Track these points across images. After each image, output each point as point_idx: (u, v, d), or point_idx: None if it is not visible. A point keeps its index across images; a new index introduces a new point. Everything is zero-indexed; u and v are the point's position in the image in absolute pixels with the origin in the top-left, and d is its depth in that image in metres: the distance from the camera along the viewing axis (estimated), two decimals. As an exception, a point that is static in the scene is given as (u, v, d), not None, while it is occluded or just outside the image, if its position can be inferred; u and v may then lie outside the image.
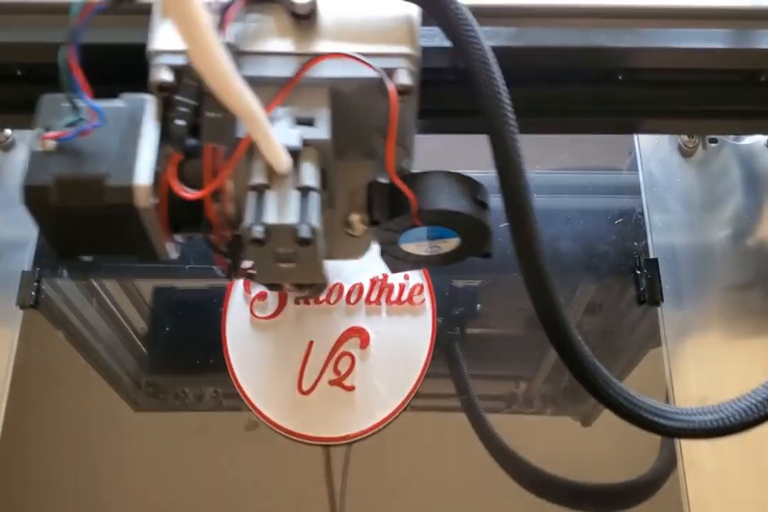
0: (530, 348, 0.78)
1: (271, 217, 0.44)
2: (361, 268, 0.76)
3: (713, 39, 0.54)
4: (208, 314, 0.78)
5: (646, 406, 0.48)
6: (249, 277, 0.52)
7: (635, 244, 0.81)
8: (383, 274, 0.76)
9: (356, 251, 0.51)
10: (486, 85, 0.45)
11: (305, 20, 0.46)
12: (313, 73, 0.46)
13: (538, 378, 0.77)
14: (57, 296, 0.80)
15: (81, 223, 0.46)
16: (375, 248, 0.54)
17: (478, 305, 0.78)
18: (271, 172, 0.45)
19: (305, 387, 0.73)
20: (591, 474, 0.72)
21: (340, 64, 0.46)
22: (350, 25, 0.47)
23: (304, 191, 0.45)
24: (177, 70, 0.45)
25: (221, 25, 0.45)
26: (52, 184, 0.44)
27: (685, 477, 0.70)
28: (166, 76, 0.45)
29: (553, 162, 0.87)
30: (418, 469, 0.72)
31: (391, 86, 0.45)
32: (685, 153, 0.86)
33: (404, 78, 0.46)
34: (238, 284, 0.77)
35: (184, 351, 0.78)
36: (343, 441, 0.72)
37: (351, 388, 0.73)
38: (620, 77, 0.57)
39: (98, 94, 0.44)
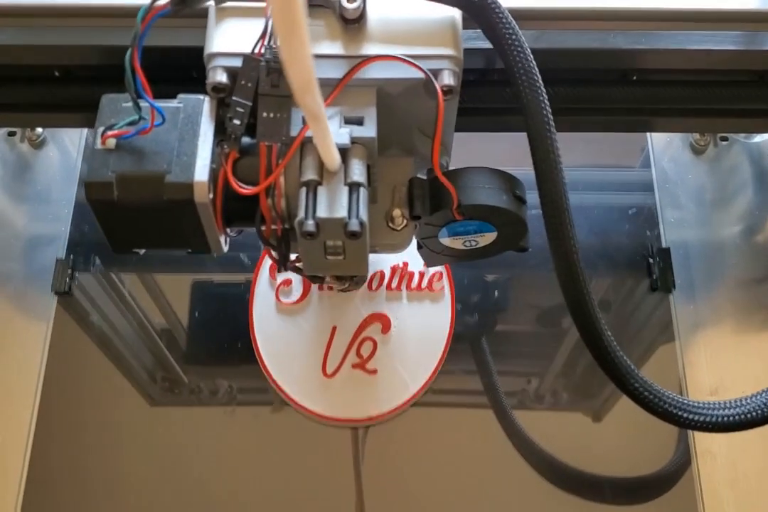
0: (542, 344, 0.80)
1: (322, 211, 0.46)
2: (381, 257, 0.77)
3: (724, 41, 0.56)
4: (235, 300, 0.79)
5: (672, 400, 0.50)
6: (296, 271, 0.53)
7: (648, 233, 0.83)
8: (403, 262, 0.78)
9: (398, 244, 0.53)
10: (528, 87, 0.47)
11: (354, 24, 0.48)
12: (362, 75, 0.48)
13: (550, 374, 0.78)
14: (87, 288, 0.81)
15: (139, 217, 0.48)
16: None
17: (496, 291, 0.80)
18: (321, 169, 0.47)
19: (329, 370, 0.75)
20: (602, 468, 0.74)
21: (388, 65, 0.48)
22: (396, 28, 0.49)
23: (353, 187, 0.47)
24: (232, 72, 0.47)
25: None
26: (114, 180, 0.46)
27: (698, 466, 0.72)
28: (222, 78, 0.47)
29: (568, 159, 0.88)
30: (437, 452, 0.74)
31: (438, 87, 0.47)
32: (697, 150, 0.87)
33: (449, 79, 0.48)
34: (264, 271, 0.79)
35: (214, 336, 0.79)
36: (367, 423, 0.74)
37: (373, 372, 0.74)
38: (634, 77, 0.59)
39: (154, 95, 0.46)
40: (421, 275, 0.77)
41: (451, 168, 0.54)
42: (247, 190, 0.47)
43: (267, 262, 0.79)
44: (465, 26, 0.50)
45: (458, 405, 0.77)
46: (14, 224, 0.85)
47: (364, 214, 0.46)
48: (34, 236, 0.84)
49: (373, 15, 0.49)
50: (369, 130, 0.48)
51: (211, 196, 0.47)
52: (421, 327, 0.76)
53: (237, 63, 0.47)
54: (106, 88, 0.56)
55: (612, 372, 0.50)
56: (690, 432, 0.73)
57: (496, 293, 0.80)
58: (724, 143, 0.87)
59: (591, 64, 0.57)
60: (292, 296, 0.77)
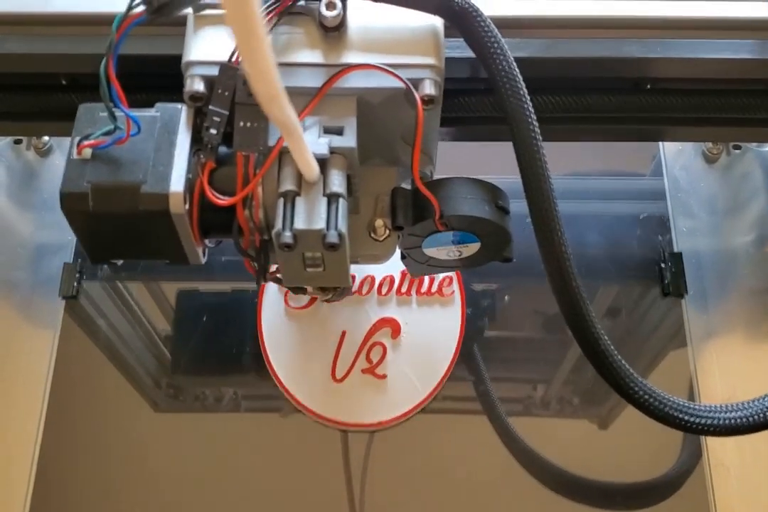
0: (548, 350, 0.79)
1: (300, 222, 0.45)
2: (391, 261, 0.76)
3: (738, 49, 0.55)
4: (244, 305, 0.79)
5: (672, 403, 0.49)
6: (276, 281, 0.53)
7: (659, 238, 0.82)
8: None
9: (380, 255, 0.53)
10: (512, 96, 0.46)
11: (334, 32, 0.48)
12: (342, 84, 0.47)
13: (556, 381, 0.77)
14: (94, 295, 0.81)
15: (116, 228, 0.48)
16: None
17: (506, 297, 0.80)
18: (300, 179, 0.46)
19: (338, 375, 0.74)
20: (608, 476, 0.73)
21: (368, 74, 0.47)
22: (377, 36, 0.48)
23: (332, 198, 0.46)
24: (209, 81, 0.47)
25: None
26: (89, 190, 0.45)
27: (711, 478, 0.71)
28: (200, 87, 0.47)
29: (579, 167, 0.87)
30: (447, 456, 0.74)
31: (418, 96, 0.46)
32: (709, 159, 0.86)
33: (430, 88, 0.47)
34: (273, 277, 0.79)
35: (222, 343, 0.79)
36: (376, 428, 0.73)
37: (383, 376, 0.74)
38: (648, 86, 0.58)
39: (133, 103, 0.45)
40: (431, 280, 0.77)
41: (436, 177, 0.53)
42: (223, 200, 0.46)
43: (275, 268, 0.78)
44: (448, 35, 0.49)
45: (468, 412, 0.77)
46: (21, 232, 0.85)
47: (343, 226, 0.45)
48: (41, 244, 0.84)
49: (354, 23, 0.48)
50: (349, 140, 0.47)
51: (187, 206, 0.46)
52: (431, 332, 0.76)
53: (214, 71, 0.46)
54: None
55: (610, 377, 0.49)
56: (704, 443, 0.72)
57: (506, 298, 0.80)
58: (737, 151, 0.86)
59: (604, 73, 0.57)
60: (301, 301, 0.77)
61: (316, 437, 0.74)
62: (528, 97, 0.46)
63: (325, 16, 0.47)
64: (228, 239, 0.50)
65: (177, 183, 0.46)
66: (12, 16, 0.55)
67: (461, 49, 0.51)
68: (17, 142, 0.89)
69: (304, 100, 0.46)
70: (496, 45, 0.46)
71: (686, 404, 0.49)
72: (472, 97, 0.55)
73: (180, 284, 0.83)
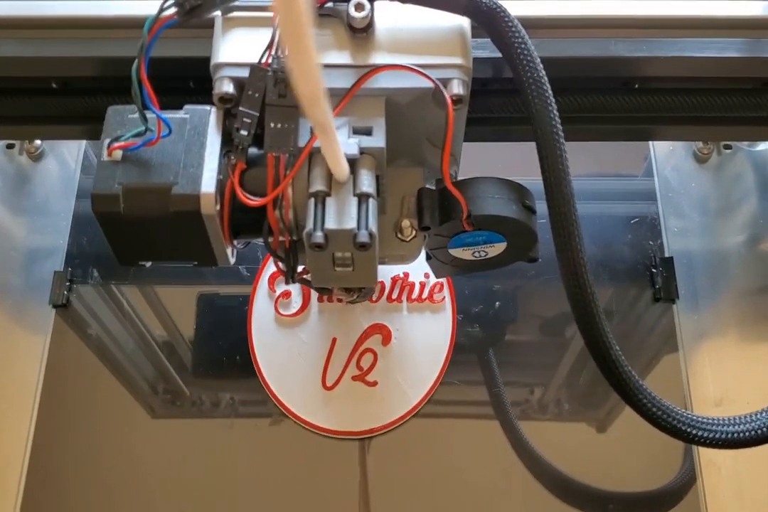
0: (545, 354, 0.79)
1: (331, 222, 0.46)
2: (382, 268, 0.76)
3: (727, 48, 0.56)
4: (233, 312, 0.79)
5: (680, 416, 0.49)
6: (304, 282, 0.53)
7: (650, 243, 0.82)
8: (404, 273, 0.77)
9: (407, 255, 0.53)
10: (537, 98, 0.46)
11: (362, 33, 0.48)
12: (371, 85, 0.48)
13: (554, 384, 0.77)
14: (86, 300, 0.81)
15: (146, 229, 0.47)
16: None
17: (497, 302, 0.80)
18: (330, 180, 0.47)
19: (329, 382, 0.74)
20: (606, 479, 0.73)
21: (396, 75, 0.47)
22: (405, 37, 0.49)
23: (362, 198, 0.46)
24: (239, 83, 0.47)
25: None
26: (120, 192, 0.45)
27: (702, 476, 0.71)
28: (229, 88, 0.47)
29: (571, 168, 0.87)
30: (438, 463, 0.73)
31: (447, 96, 0.46)
32: (700, 159, 0.87)
33: (458, 88, 0.47)
34: (263, 283, 0.78)
35: (214, 349, 0.78)
36: (366, 435, 0.73)
37: (373, 384, 0.74)
38: (636, 86, 0.58)
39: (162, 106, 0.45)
40: (422, 286, 0.77)
41: (459, 178, 0.54)
42: (254, 201, 0.46)
43: (266, 274, 0.78)
44: (473, 35, 0.49)
45: (460, 416, 0.77)
46: (13, 236, 0.84)
47: (373, 225, 0.46)
48: (33, 248, 0.84)
49: (381, 24, 0.49)
50: (378, 141, 0.47)
51: (217, 207, 0.46)
52: (422, 338, 0.76)
53: (244, 73, 0.46)
54: (104, 100, 0.57)
55: (619, 387, 0.50)
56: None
57: (497, 304, 0.79)
58: (728, 151, 0.87)
59: (593, 73, 0.57)
60: (292, 308, 0.77)
61: (313, 444, 0.74)
62: (553, 99, 0.47)
63: (354, 18, 0.47)
64: (257, 240, 0.50)
65: (208, 184, 0.46)
66: (3, 20, 0.55)
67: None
68: (10, 146, 0.88)
69: (334, 101, 0.46)
70: (523, 45, 0.47)
71: (694, 417, 0.49)
72: (493, 98, 0.56)
73: (175, 288, 0.83)
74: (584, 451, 0.75)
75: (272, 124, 0.45)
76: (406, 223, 0.52)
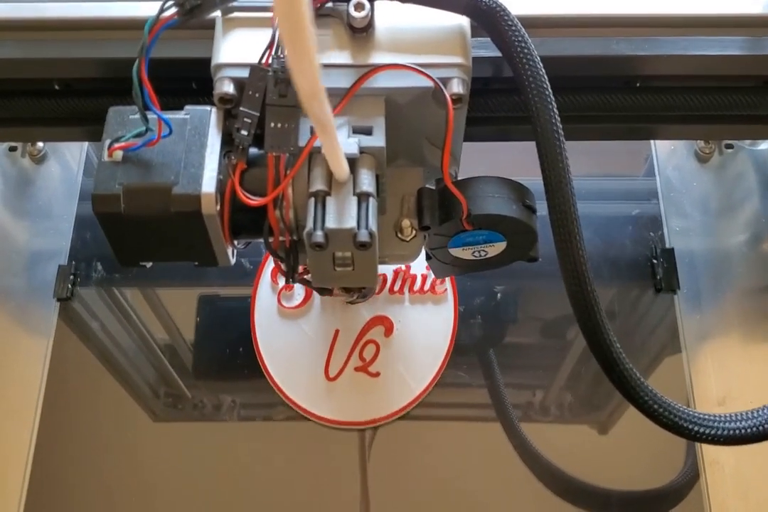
0: (547, 355, 0.79)
1: (331, 221, 0.46)
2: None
3: (728, 46, 0.56)
4: (236, 305, 0.79)
5: (682, 413, 0.49)
6: (304, 282, 0.53)
7: (651, 234, 0.82)
8: (406, 265, 0.78)
9: (407, 255, 0.53)
10: (537, 96, 0.46)
11: (362, 33, 0.48)
12: (371, 84, 0.48)
13: (555, 386, 0.77)
14: (89, 302, 0.81)
15: (147, 230, 0.48)
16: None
17: (499, 294, 0.80)
18: (330, 179, 0.47)
19: (332, 373, 0.74)
20: (608, 480, 0.73)
21: (396, 74, 0.48)
22: (405, 36, 0.49)
23: (362, 197, 0.46)
24: (239, 83, 0.47)
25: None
26: (121, 192, 0.45)
27: (705, 475, 0.71)
28: (229, 89, 0.47)
29: (571, 167, 0.87)
30: (440, 454, 0.73)
31: (447, 95, 0.46)
32: (702, 158, 0.87)
33: (458, 87, 0.48)
34: (266, 276, 0.79)
35: (216, 348, 0.79)
36: (369, 426, 0.73)
37: (376, 375, 0.74)
38: (638, 84, 0.58)
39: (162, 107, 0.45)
40: (424, 278, 0.77)
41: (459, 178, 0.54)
42: (254, 201, 0.46)
43: (269, 266, 0.78)
44: (473, 35, 0.50)
45: (461, 407, 0.77)
46: (16, 239, 0.85)
47: (373, 225, 0.46)
48: (36, 251, 0.84)
49: (381, 24, 0.49)
50: (378, 140, 0.48)
51: (218, 207, 0.46)
52: (424, 330, 0.76)
53: (244, 73, 0.46)
54: (106, 101, 0.56)
55: (621, 385, 0.50)
56: (699, 444, 0.72)
57: (498, 295, 0.79)
58: (730, 151, 0.87)
59: (594, 72, 0.57)
60: (294, 300, 0.77)
61: (316, 435, 0.74)
62: (553, 98, 0.47)
63: (354, 18, 0.47)
64: (257, 240, 0.50)
65: (208, 184, 0.46)
66: (5, 22, 0.55)
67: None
68: (12, 149, 0.88)
69: (333, 100, 0.46)
70: (523, 44, 0.47)
71: (695, 413, 0.49)
72: (491, 97, 0.56)
73: (177, 289, 0.83)
74: (587, 452, 0.75)
75: (272, 124, 0.45)
76: (406, 222, 0.52)
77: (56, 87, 0.59)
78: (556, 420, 0.76)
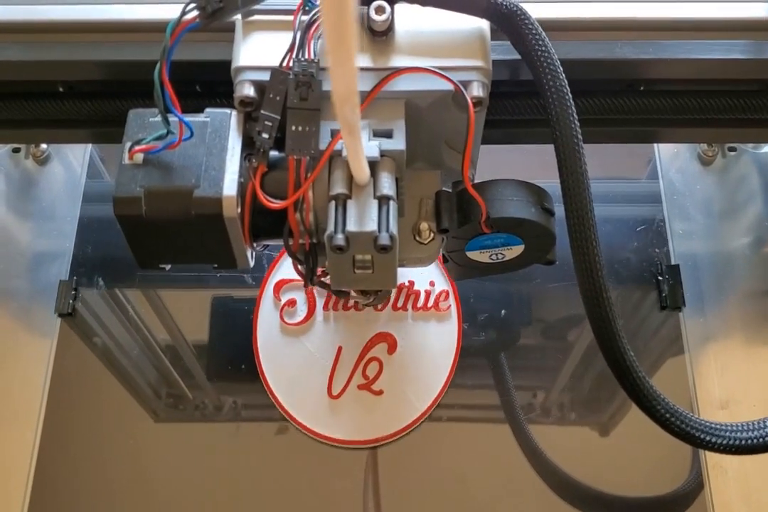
0: (548, 358, 0.79)
1: (352, 225, 0.46)
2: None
3: (732, 50, 0.56)
4: (238, 321, 0.79)
5: (694, 423, 0.49)
6: (322, 285, 0.53)
7: (656, 250, 0.82)
8: (409, 281, 0.77)
9: (425, 258, 0.53)
10: (557, 100, 0.46)
11: (382, 36, 0.48)
12: (391, 87, 0.48)
13: (557, 388, 0.77)
14: (92, 306, 0.81)
15: (167, 232, 0.47)
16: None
17: (503, 311, 0.79)
18: (350, 183, 0.47)
19: (335, 391, 0.74)
20: (610, 483, 0.73)
21: (417, 77, 0.48)
22: (425, 40, 0.49)
23: (383, 200, 0.46)
24: (259, 86, 0.47)
25: (305, 43, 0.46)
26: (142, 195, 0.45)
27: (708, 479, 0.71)
28: (250, 92, 0.47)
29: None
30: (447, 471, 0.73)
31: (468, 98, 0.46)
32: (705, 161, 0.87)
33: (478, 90, 0.48)
34: (268, 291, 0.78)
35: (219, 354, 0.78)
36: (372, 444, 0.72)
37: (379, 393, 0.73)
38: (641, 88, 0.59)
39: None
40: (428, 294, 0.77)
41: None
42: (275, 204, 0.46)
43: (271, 282, 0.78)
44: (493, 38, 0.50)
45: (467, 422, 0.76)
46: (19, 241, 0.84)
47: (394, 228, 0.46)
48: (39, 253, 0.83)
49: (401, 27, 0.49)
50: (398, 143, 0.48)
51: (239, 210, 0.46)
52: (428, 347, 0.76)
53: (264, 76, 0.46)
54: (110, 104, 0.57)
55: (633, 393, 0.50)
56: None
57: (503, 312, 0.79)
58: (733, 154, 0.87)
59: (598, 75, 0.57)
60: (297, 317, 0.77)
61: (319, 454, 0.73)
62: (572, 102, 0.47)
63: (374, 21, 0.47)
64: (277, 242, 0.50)
65: (230, 187, 0.46)
66: (9, 24, 0.55)
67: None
68: (16, 150, 0.88)
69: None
70: (543, 48, 0.47)
71: (706, 422, 0.49)
72: (509, 100, 0.56)
73: (180, 293, 0.83)
74: (588, 454, 0.75)
75: (293, 127, 0.45)
76: (424, 225, 0.52)
77: (60, 89, 0.58)
78: (557, 422, 0.76)
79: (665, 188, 0.86)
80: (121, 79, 0.57)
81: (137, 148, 0.46)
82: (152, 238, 0.48)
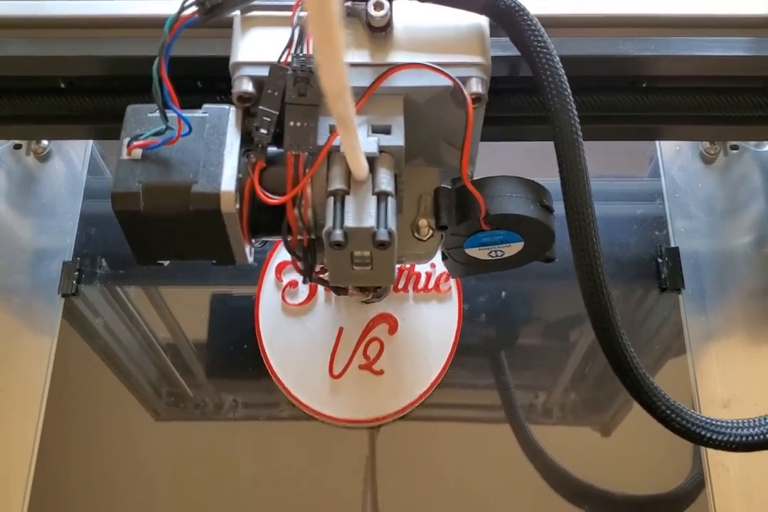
0: (550, 357, 0.79)
1: (350, 220, 0.45)
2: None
3: (735, 47, 0.56)
4: (241, 311, 0.79)
5: (695, 420, 0.49)
6: (320, 282, 0.53)
7: (656, 233, 0.82)
8: (410, 263, 0.77)
9: (424, 255, 0.53)
10: (556, 96, 0.46)
11: (381, 32, 0.48)
12: (390, 83, 0.48)
13: (558, 388, 0.77)
14: (92, 302, 0.81)
15: (166, 228, 0.47)
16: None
17: (503, 292, 0.80)
18: (349, 178, 0.47)
19: (336, 371, 0.74)
20: (612, 482, 0.73)
21: (415, 73, 0.48)
22: (423, 36, 0.49)
23: (381, 196, 0.46)
24: (258, 81, 0.47)
25: (303, 38, 0.46)
26: (140, 190, 0.45)
27: (710, 477, 0.71)
28: (248, 87, 0.47)
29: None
30: (447, 452, 0.74)
31: (467, 94, 0.46)
32: (707, 159, 0.87)
33: (477, 86, 0.48)
34: (270, 273, 0.78)
35: (219, 348, 0.79)
36: (373, 423, 0.73)
37: (380, 372, 0.74)
38: (644, 85, 0.59)
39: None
40: (428, 276, 0.77)
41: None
42: (274, 199, 0.46)
43: (273, 264, 0.78)
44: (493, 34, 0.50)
45: (466, 407, 0.77)
46: (20, 237, 0.85)
47: (392, 224, 0.46)
48: (40, 249, 0.84)
49: (400, 23, 0.49)
50: (397, 139, 0.48)
51: (237, 205, 0.46)
52: (428, 327, 0.76)
53: (263, 72, 0.46)
54: (111, 100, 0.57)
55: (634, 390, 0.50)
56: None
57: (503, 293, 0.80)
58: (735, 152, 0.87)
59: (600, 72, 0.57)
60: (299, 297, 0.77)
61: (321, 433, 0.74)
62: (572, 98, 0.47)
63: (373, 17, 0.47)
64: (275, 238, 0.50)
65: (228, 182, 0.46)
66: (11, 19, 0.55)
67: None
68: (17, 147, 0.88)
69: (353, 99, 0.46)
70: (542, 44, 0.47)
71: (707, 419, 0.49)
72: (507, 97, 0.56)
73: (180, 288, 0.83)
74: (590, 453, 0.75)
75: (292, 123, 0.45)
76: (423, 222, 0.52)
77: (61, 85, 0.59)
78: (559, 422, 0.76)
79: (667, 186, 0.86)
80: (122, 74, 0.57)
81: (135, 143, 0.46)
82: (151, 233, 0.48)
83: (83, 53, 0.55)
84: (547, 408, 0.76)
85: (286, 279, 0.77)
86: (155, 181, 0.45)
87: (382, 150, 0.47)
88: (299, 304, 0.77)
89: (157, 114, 0.45)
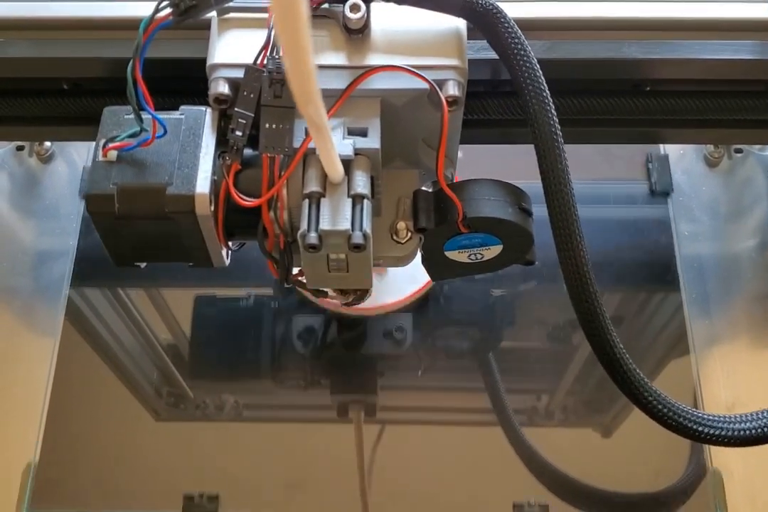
0: (551, 360, 0.79)
1: (325, 223, 0.45)
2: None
3: (739, 50, 0.55)
4: (239, 313, 0.80)
5: (686, 414, 0.48)
6: (299, 284, 0.53)
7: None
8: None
9: (403, 257, 0.53)
10: (534, 98, 0.46)
11: (358, 34, 0.48)
12: (366, 85, 0.47)
13: (560, 391, 0.77)
14: (95, 304, 0.81)
15: (141, 230, 0.48)
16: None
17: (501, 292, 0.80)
18: (324, 181, 0.47)
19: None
20: (613, 484, 0.72)
21: (392, 76, 0.47)
22: (400, 38, 0.48)
23: (357, 199, 0.46)
24: (234, 83, 0.47)
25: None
26: (115, 192, 0.45)
27: (713, 479, 0.71)
28: (224, 89, 0.47)
29: (579, 171, 0.87)
30: (444, 461, 0.73)
31: (443, 97, 0.46)
32: (711, 163, 0.87)
33: (453, 89, 0.47)
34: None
35: (219, 349, 0.79)
36: (380, 311, 0.77)
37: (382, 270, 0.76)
38: (648, 88, 0.58)
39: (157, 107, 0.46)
40: None
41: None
42: (248, 202, 0.46)
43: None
44: (470, 37, 0.49)
45: (463, 411, 0.77)
46: (22, 239, 0.85)
47: (367, 226, 0.46)
48: (42, 251, 0.84)
49: (377, 25, 0.49)
50: (373, 142, 0.47)
51: (212, 208, 0.46)
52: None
53: (239, 74, 0.46)
54: (115, 101, 0.56)
55: (625, 386, 0.49)
56: (706, 448, 0.72)
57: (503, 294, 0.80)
58: (739, 155, 0.86)
59: (604, 75, 0.57)
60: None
61: (320, 444, 0.74)
62: (551, 100, 0.47)
63: (350, 19, 0.47)
64: (252, 241, 0.50)
65: (202, 184, 0.46)
66: (14, 21, 0.55)
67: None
68: (20, 148, 0.89)
69: (329, 101, 0.46)
70: (519, 46, 0.46)
71: (700, 414, 0.49)
72: (490, 100, 0.56)
73: (181, 290, 0.83)
74: (591, 455, 0.75)
75: (267, 125, 0.45)
76: (401, 224, 0.52)
77: (64, 86, 0.59)
78: (561, 424, 0.76)
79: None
80: (125, 76, 0.57)
81: (111, 145, 0.46)
82: (126, 235, 0.48)
83: (86, 55, 0.55)
84: (549, 410, 0.76)
85: None
86: (130, 183, 0.46)
87: (358, 152, 0.47)
88: None
89: (132, 116, 0.45)
